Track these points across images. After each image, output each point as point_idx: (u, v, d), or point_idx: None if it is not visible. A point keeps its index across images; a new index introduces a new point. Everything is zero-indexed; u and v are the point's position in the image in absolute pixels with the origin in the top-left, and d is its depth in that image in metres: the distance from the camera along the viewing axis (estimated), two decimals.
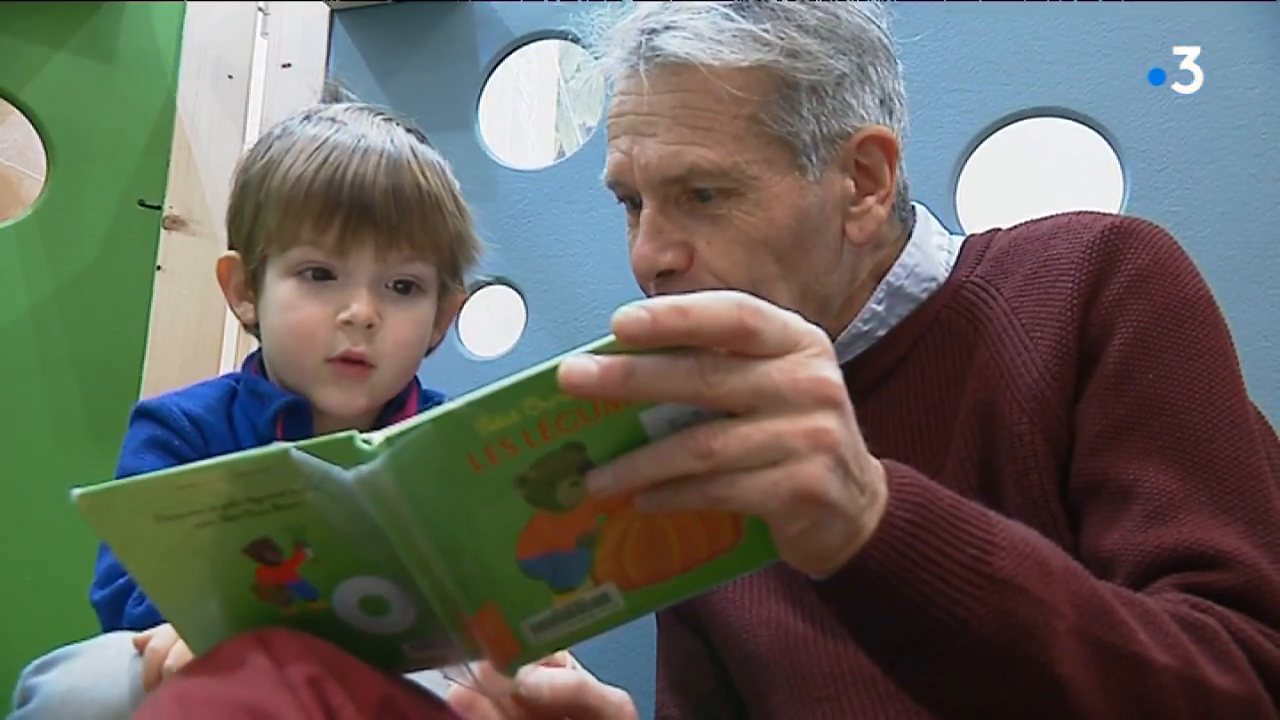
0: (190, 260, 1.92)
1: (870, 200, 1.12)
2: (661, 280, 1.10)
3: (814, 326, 0.67)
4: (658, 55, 1.07)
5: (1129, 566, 0.94)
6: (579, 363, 0.62)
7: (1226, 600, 0.89)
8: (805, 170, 1.08)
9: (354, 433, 0.65)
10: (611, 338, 0.62)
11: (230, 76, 2.02)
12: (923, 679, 0.77)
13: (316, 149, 1.17)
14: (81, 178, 1.89)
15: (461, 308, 1.31)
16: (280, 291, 1.18)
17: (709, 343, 0.63)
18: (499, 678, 0.76)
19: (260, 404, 1.20)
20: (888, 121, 1.12)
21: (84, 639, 1.75)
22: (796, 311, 1.06)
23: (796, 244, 1.08)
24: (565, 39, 1.97)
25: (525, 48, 1.99)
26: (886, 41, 1.14)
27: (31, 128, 1.91)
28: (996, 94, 1.66)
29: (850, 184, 1.11)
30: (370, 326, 1.16)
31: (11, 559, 1.75)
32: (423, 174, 1.18)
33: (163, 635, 0.95)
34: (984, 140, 1.67)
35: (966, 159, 1.66)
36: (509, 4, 1.93)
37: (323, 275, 1.17)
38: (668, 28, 1.07)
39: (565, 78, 3.10)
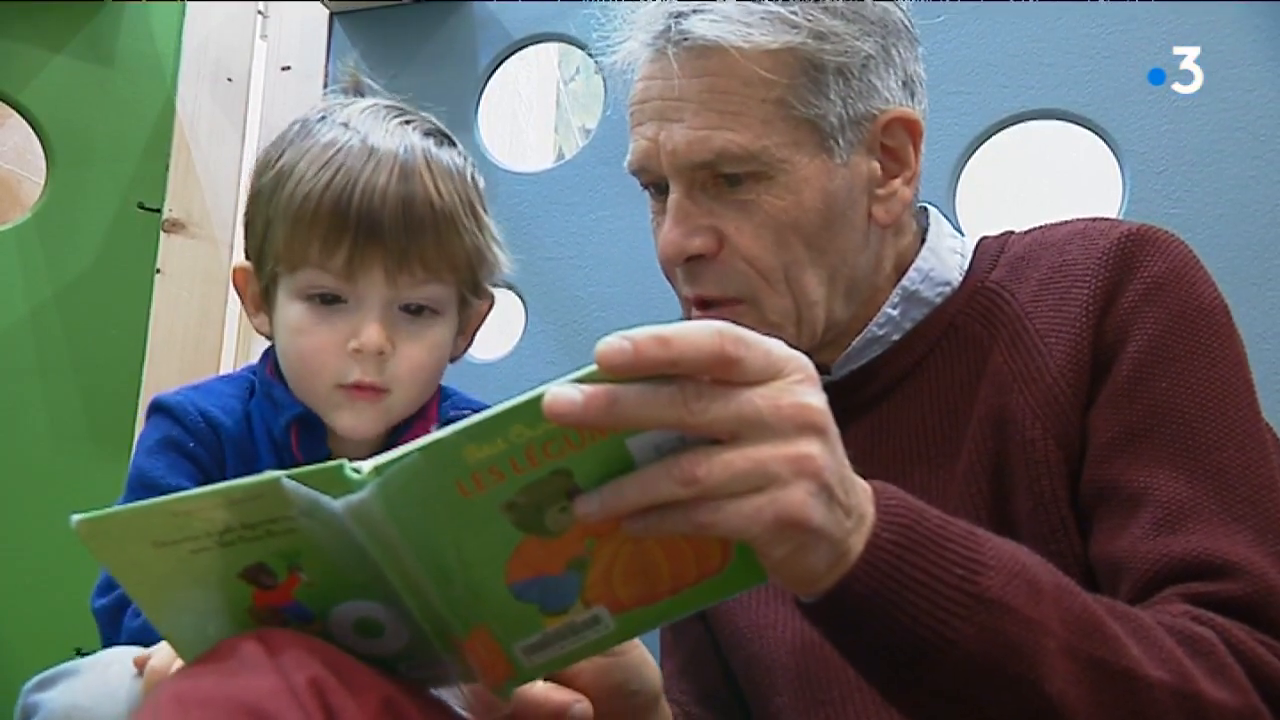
0: (189, 263, 1.93)
1: (896, 182, 1.12)
2: (690, 265, 1.09)
3: (797, 353, 0.67)
4: (686, 39, 1.06)
5: (1137, 574, 0.94)
6: (563, 392, 0.62)
7: (1233, 610, 0.88)
8: (832, 153, 1.07)
9: (344, 462, 0.65)
10: (595, 366, 0.63)
11: (230, 79, 2.03)
12: (913, 698, 0.77)
13: (325, 164, 1.11)
14: (81, 181, 1.89)
15: (487, 314, 1.26)
16: (290, 314, 1.14)
17: (691, 372, 0.63)
18: (493, 699, 0.76)
19: (275, 409, 1.18)
20: (910, 103, 1.12)
21: (82, 640, 1.77)
22: (825, 294, 1.08)
23: (825, 227, 1.07)
24: (565, 41, 1.97)
25: (524, 50, 1.99)
26: (908, 23, 1.14)
27: (31, 130, 1.91)
28: (995, 96, 1.66)
29: (876, 166, 1.11)
30: (382, 353, 1.12)
31: (10, 560, 1.76)
32: (437, 190, 1.13)
33: (162, 654, 0.95)
34: (983, 143, 1.67)
35: (965, 161, 1.66)
36: (508, 6, 1.93)
37: (332, 299, 1.12)
38: (695, 11, 1.06)
39: (564, 80, 3.10)
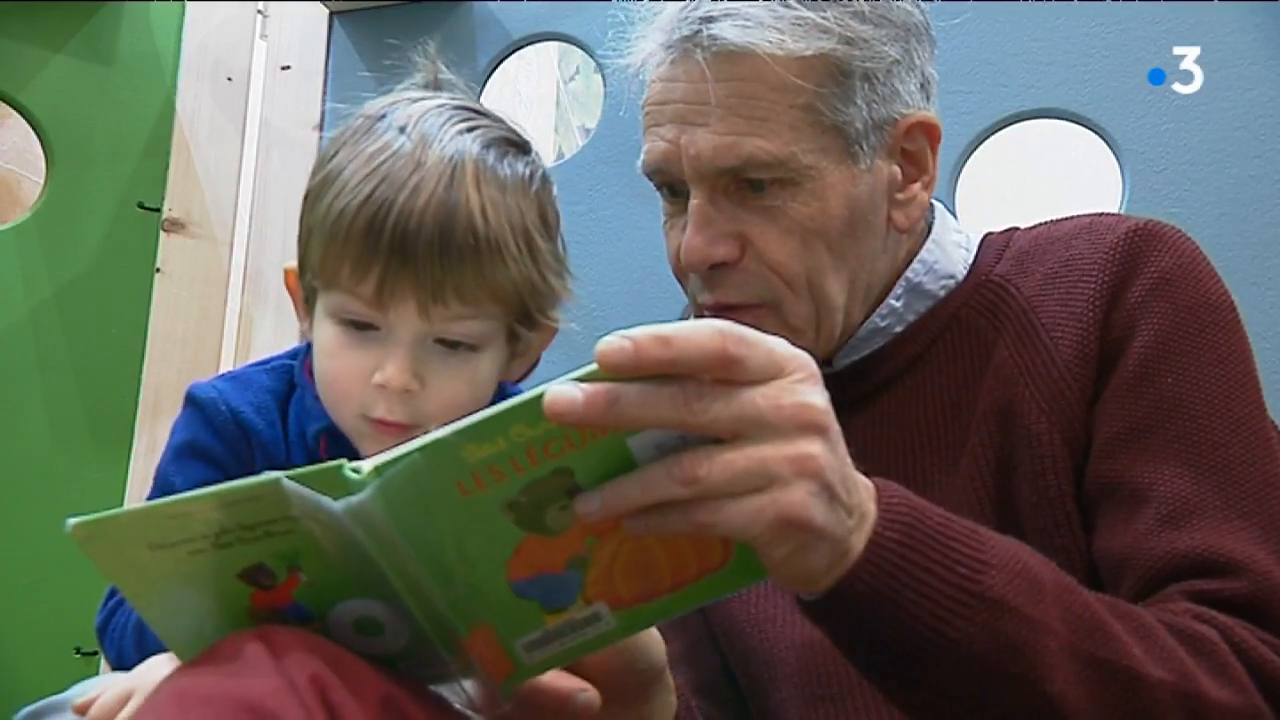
0: (189, 262, 1.93)
1: (915, 187, 1.11)
2: (710, 272, 1.08)
3: (800, 351, 0.67)
4: (716, 43, 1.04)
5: (1140, 571, 0.94)
6: (563, 391, 0.62)
7: (1236, 608, 0.88)
8: (857, 158, 1.06)
9: (343, 462, 0.65)
10: (595, 365, 0.62)
11: (229, 79, 2.03)
12: (914, 696, 0.77)
13: (368, 175, 1.01)
14: (81, 180, 1.89)
15: (550, 340, 1.13)
16: (323, 333, 1.05)
17: (692, 371, 0.63)
18: (495, 696, 0.76)
19: (308, 414, 1.11)
20: (926, 105, 1.11)
21: (82, 640, 1.77)
22: (846, 299, 1.08)
23: (848, 233, 1.07)
24: (565, 41, 1.97)
25: (524, 50, 1.99)
26: (927, 23, 1.13)
27: (31, 130, 1.92)
28: (996, 95, 1.66)
29: (896, 171, 1.10)
30: (408, 391, 1.02)
31: (11, 560, 1.76)
32: (482, 213, 1.00)
33: (104, 703, 0.91)
34: (983, 142, 1.67)
35: (965, 161, 1.66)
36: (508, 6, 1.93)
37: (364, 324, 1.03)
38: (726, 15, 1.05)
39: (564, 80, 3.10)
